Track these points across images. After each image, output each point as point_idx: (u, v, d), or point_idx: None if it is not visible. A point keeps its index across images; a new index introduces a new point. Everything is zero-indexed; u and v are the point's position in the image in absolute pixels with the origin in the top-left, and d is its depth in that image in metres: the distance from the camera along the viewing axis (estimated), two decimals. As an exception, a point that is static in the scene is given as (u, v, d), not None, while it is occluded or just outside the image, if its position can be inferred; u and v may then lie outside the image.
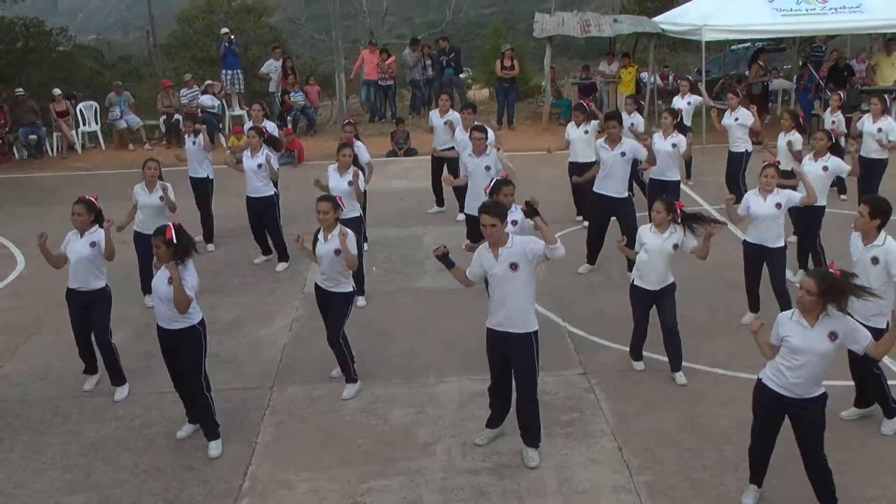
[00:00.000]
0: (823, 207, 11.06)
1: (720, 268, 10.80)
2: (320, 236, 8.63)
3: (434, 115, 14.73)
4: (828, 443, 6.47)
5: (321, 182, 10.87)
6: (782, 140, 12.66)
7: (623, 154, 11.34)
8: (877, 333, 6.76)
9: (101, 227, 8.81)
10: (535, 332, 7.31)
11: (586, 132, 13.46)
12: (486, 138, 11.55)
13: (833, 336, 6.23)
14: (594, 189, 11.68)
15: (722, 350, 9.32)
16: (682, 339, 8.87)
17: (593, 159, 12.57)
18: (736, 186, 14.18)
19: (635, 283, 8.89)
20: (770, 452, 6.75)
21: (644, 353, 9.22)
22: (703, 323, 9.96)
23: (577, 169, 13.36)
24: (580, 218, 14.00)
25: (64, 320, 10.63)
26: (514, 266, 7.14)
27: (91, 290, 8.80)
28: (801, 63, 22.19)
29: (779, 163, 10.67)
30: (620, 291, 10.57)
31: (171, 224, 7.58)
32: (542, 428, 7.59)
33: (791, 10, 18.63)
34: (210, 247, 13.23)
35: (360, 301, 10.88)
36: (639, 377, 8.90)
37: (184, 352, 7.72)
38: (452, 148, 13.49)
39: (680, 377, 8.86)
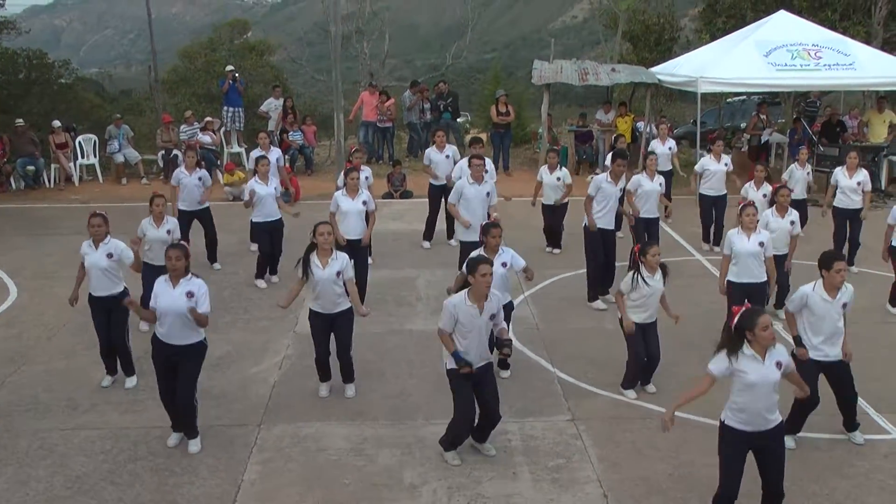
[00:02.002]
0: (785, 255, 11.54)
1: (712, 318, 10.84)
2: (317, 261, 8.94)
3: (432, 151, 14.98)
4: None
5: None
6: (755, 193, 13.10)
7: (622, 190, 11.87)
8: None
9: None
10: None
11: (558, 179, 14.38)
12: (485, 166, 11.87)
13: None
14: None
15: (711, 400, 9.29)
16: (674, 388, 9.07)
17: (565, 202, 14.45)
18: (708, 231, 15.20)
19: (634, 320, 9.29)
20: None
21: (634, 401, 9.38)
22: (693, 373, 9.94)
23: (549, 211, 14.55)
24: (549, 249, 14.92)
25: (54, 352, 10.76)
26: (493, 317, 7.87)
27: (110, 296, 9.41)
28: (794, 117, 22.42)
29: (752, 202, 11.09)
30: (610, 339, 10.68)
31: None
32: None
33: (786, 65, 18.90)
34: (216, 265, 13.81)
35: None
36: (627, 425, 8.90)
37: (187, 365, 8.18)
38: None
39: (650, 387, 9.60)
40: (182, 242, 9.04)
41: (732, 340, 6.65)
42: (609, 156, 15.12)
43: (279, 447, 8.47)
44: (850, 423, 8.55)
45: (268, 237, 13.10)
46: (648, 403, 9.31)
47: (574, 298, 12.43)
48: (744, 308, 6.68)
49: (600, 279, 12.23)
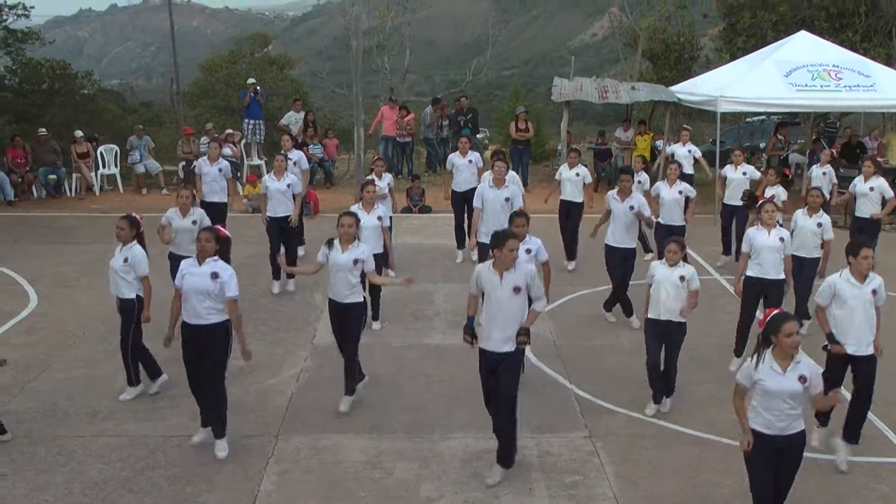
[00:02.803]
0: (818, 259, 11.52)
1: (729, 337, 10.83)
2: (336, 244, 9.09)
3: (455, 156, 15.06)
4: None
5: None
6: (768, 192, 13.24)
7: (632, 207, 11.70)
8: None
9: (140, 244, 9.49)
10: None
11: (577, 174, 14.48)
12: (507, 170, 11.92)
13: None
14: (605, 242, 12.00)
15: (728, 419, 9.28)
16: (691, 407, 9.04)
17: (580, 200, 14.49)
18: (728, 238, 15.07)
19: (649, 316, 9.32)
20: None
21: (651, 419, 9.35)
22: (711, 392, 9.95)
23: (565, 207, 14.51)
24: (567, 263, 14.82)
25: (73, 360, 10.85)
26: (517, 289, 7.64)
27: (121, 299, 9.46)
28: (814, 138, 22.38)
29: (774, 196, 11.07)
30: (628, 357, 10.69)
31: (220, 227, 8.35)
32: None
33: (806, 85, 18.86)
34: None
35: (375, 325, 11.73)
36: (644, 443, 8.88)
37: (212, 350, 8.24)
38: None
39: (664, 406, 9.48)
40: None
41: (758, 345, 6.64)
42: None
43: (296, 459, 8.48)
44: (854, 433, 8.45)
45: (278, 232, 13.24)
46: (665, 422, 9.28)
47: (592, 316, 12.42)
48: (774, 312, 6.63)
49: (622, 300, 12.15)
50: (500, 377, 7.80)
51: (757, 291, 10.38)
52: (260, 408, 9.55)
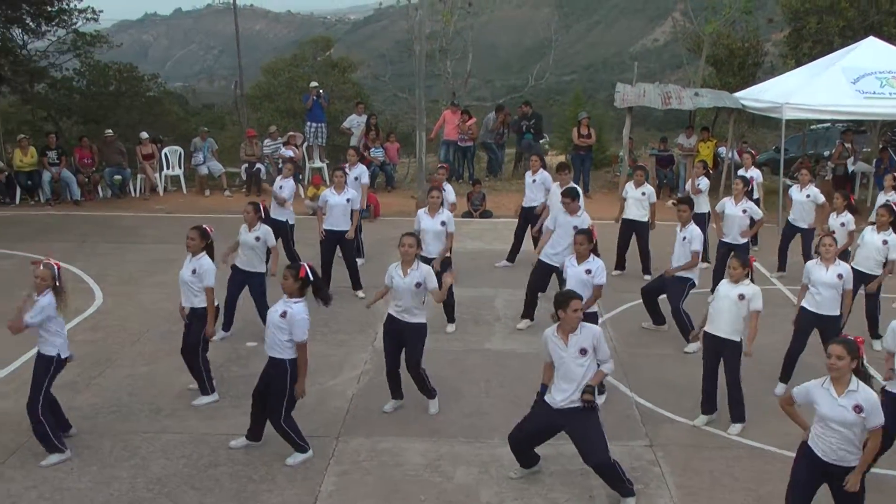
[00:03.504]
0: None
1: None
2: (398, 270, 9.13)
3: (527, 174, 15.04)
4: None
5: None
6: (834, 220, 12.93)
7: (684, 238, 11.56)
8: None
9: (209, 255, 9.57)
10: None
11: (643, 194, 14.42)
12: (577, 202, 11.90)
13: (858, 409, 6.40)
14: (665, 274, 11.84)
15: (792, 431, 9.12)
16: (755, 418, 8.92)
17: (646, 219, 14.43)
18: (784, 257, 14.93)
19: (706, 330, 9.25)
20: None
21: (712, 429, 9.23)
22: (775, 404, 9.74)
23: (628, 226, 14.54)
24: (618, 272, 14.72)
25: (137, 357, 11.01)
26: (583, 351, 7.58)
27: (194, 308, 9.49)
28: (881, 147, 21.94)
29: (834, 233, 10.90)
30: (690, 366, 10.55)
31: (304, 264, 8.37)
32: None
33: (874, 92, 18.46)
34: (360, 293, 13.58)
35: (450, 328, 11.91)
36: (706, 454, 8.77)
37: (273, 383, 8.28)
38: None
39: (733, 429, 9.25)
40: (204, 226, 9.39)
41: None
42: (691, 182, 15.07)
43: (356, 460, 8.51)
44: None
45: (330, 245, 13.29)
46: (727, 433, 9.17)
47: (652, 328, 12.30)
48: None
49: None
50: (577, 440, 7.71)
51: (811, 324, 10.13)
52: (321, 408, 9.60)
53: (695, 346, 11.12)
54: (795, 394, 6.74)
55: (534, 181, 14.80)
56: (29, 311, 8.10)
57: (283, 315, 8.13)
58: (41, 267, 8.23)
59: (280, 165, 14.33)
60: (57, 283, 8.26)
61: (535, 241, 13.82)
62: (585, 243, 9.70)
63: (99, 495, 7.84)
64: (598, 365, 7.70)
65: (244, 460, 8.43)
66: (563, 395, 7.58)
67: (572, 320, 7.54)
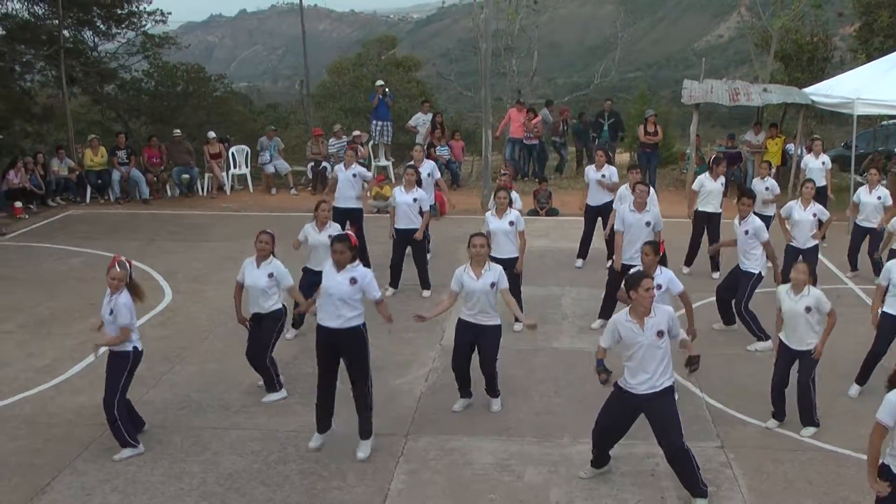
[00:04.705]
0: None
1: (867, 349, 10.38)
2: (469, 273, 9.02)
3: (590, 169, 14.83)
4: None
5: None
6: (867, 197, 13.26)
7: (746, 232, 11.33)
8: None
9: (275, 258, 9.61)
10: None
11: (723, 184, 14.26)
12: (648, 194, 11.70)
13: None
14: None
15: (867, 434, 8.92)
16: (829, 421, 8.78)
17: (720, 210, 14.31)
18: (854, 258, 14.57)
19: (782, 340, 9.01)
20: None
21: (784, 431, 9.06)
22: (849, 407, 9.58)
23: (704, 220, 14.28)
24: (687, 269, 14.53)
25: (206, 353, 11.11)
26: (660, 334, 7.42)
27: (263, 313, 9.60)
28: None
29: None
30: (761, 366, 10.35)
31: (349, 232, 8.51)
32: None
33: (950, 87, 18.00)
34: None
35: (517, 327, 11.51)
36: (778, 456, 8.58)
37: (351, 355, 8.38)
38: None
39: (806, 431, 9.04)
40: (347, 233, 9.01)
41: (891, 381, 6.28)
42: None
43: (425, 459, 8.49)
44: None
45: (400, 244, 13.26)
46: (801, 436, 8.97)
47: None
48: None
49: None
50: (658, 425, 7.63)
51: (894, 329, 9.78)
52: (389, 407, 9.58)
53: (763, 346, 11.00)
54: (883, 418, 6.23)
55: (603, 176, 14.58)
56: (111, 319, 8.26)
57: (354, 281, 8.24)
58: (116, 267, 8.32)
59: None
60: (130, 280, 8.36)
61: (608, 244, 13.58)
62: (651, 254, 9.20)
63: (170, 489, 7.92)
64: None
65: (314, 457, 8.45)
66: (643, 382, 7.46)
67: (646, 301, 7.38)
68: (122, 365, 8.34)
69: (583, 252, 15.08)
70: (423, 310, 9.75)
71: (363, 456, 8.43)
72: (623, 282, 7.78)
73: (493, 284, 8.98)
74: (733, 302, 11.52)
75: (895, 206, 14.11)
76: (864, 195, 14.28)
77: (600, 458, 8.10)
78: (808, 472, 8.28)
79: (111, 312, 8.25)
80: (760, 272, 11.33)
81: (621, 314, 7.63)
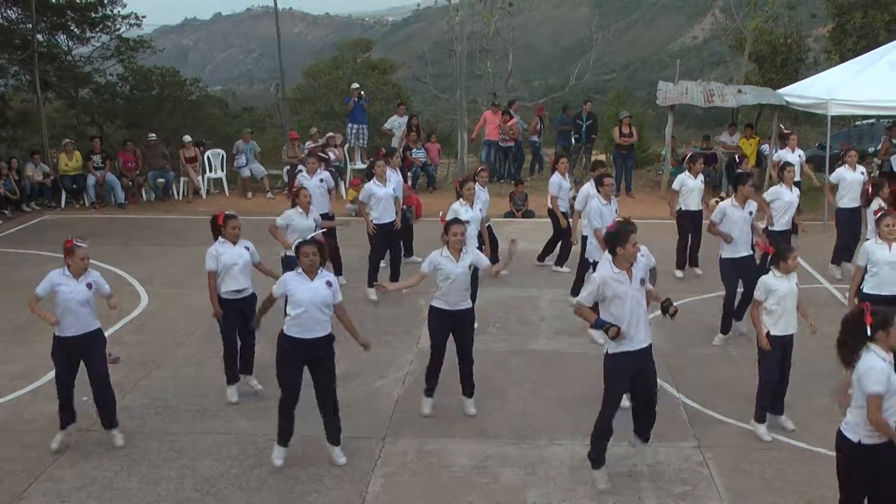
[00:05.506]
0: None
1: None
2: (448, 258, 9.00)
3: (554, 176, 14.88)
4: None
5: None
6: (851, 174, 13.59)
7: (751, 213, 11.38)
8: None
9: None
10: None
11: (702, 181, 14.37)
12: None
13: None
14: (724, 256, 11.52)
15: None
16: (805, 421, 8.86)
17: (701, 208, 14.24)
18: (846, 246, 14.50)
19: (776, 334, 8.80)
20: None
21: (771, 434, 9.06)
22: (826, 406, 9.63)
23: (689, 220, 14.26)
24: (681, 273, 14.55)
25: (182, 358, 11.08)
26: (642, 282, 7.70)
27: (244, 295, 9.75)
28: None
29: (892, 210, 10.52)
30: (737, 367, 10.46)
31: (318, 236, 8.50)
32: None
33: (921, 87, 18.16)
34: (342, 279, 13.34)
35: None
36: (755, 455, 8.64)
37: (326, 361, 8.31)
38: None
39: (788, 423, 9.14)
40: (316, 237, 8.85)
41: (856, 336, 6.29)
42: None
43: (403, 462, 8.49)
44: None
45: (383, 237, 13.28)
46: (778, 435, 9.00)
47: (700, 323, 12.11)
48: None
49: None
50: (649, 374, 7.87)
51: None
52: (367, 410, 9.59)
53: (722, 339, 11.46)
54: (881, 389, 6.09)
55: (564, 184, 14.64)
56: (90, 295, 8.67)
57: (329, 284, 8.23)
58: (81, 246, 8.86)
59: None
60: None
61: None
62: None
63: (147, 495, 7.90)
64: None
65: (291, 461, 8.41)
66: (645, 330, 7.70)
67: (631, 254, 7.53)
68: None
69: (560, 257, 14.98)
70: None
71: (345, 461, 8.39)
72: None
73: (471, 266, 9.08)
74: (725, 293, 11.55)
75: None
76: (847, 173, 14.30)
77: (602, 455, 8.04)
78: (786, 471, 8.34)
79: (90, 287, 8.60)
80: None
81: (605, 270, 7.63)
